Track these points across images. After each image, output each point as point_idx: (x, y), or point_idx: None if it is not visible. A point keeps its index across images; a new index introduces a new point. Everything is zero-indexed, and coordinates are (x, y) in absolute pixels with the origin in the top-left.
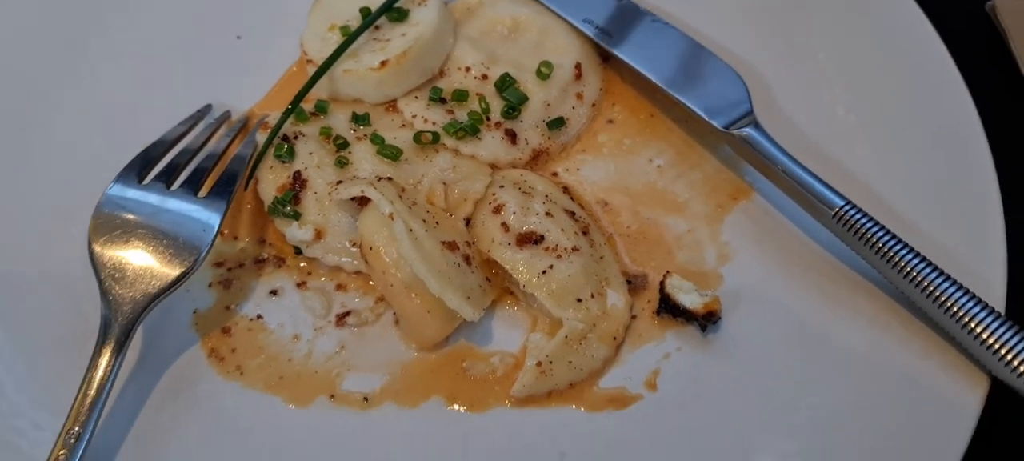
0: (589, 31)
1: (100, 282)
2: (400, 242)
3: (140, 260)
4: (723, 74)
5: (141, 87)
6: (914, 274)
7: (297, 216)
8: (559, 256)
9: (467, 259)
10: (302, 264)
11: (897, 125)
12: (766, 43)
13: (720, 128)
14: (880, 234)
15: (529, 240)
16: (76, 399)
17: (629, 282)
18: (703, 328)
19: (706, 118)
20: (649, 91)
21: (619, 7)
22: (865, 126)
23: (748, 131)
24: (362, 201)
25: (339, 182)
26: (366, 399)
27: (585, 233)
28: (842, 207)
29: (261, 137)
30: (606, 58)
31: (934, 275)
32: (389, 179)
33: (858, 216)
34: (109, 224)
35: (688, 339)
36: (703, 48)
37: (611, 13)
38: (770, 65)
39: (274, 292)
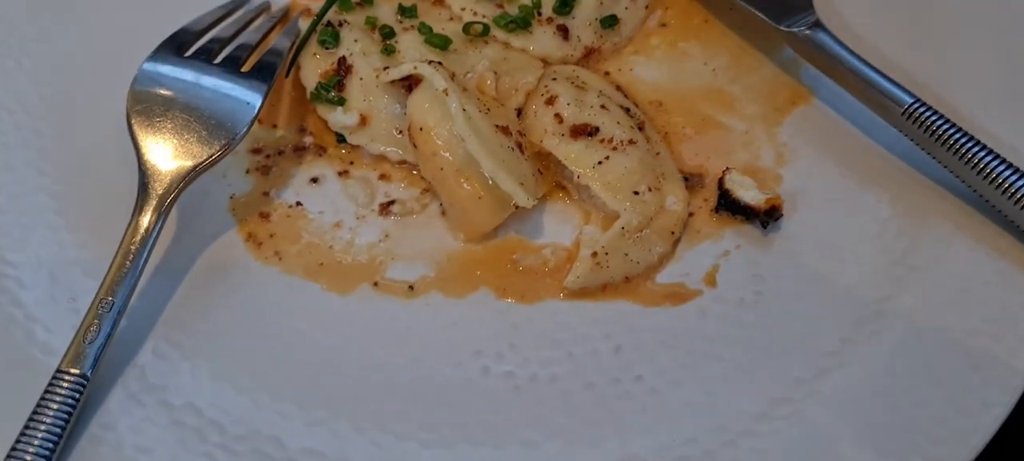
0: None
1: (138, 152)
2: (455, 119)
3: (178, 133)
4: None
5: None
6: (986, 169)
7: (342, 102)
8: (615, 148)
9: (520, 146)
10: (344, 152)
11: (961, 28)
12: None
13: (781, 28)
14: (951, 130)
15: (584, 132)
16: (111, 267)
17: (686, 179)
18: (764, 225)
19: (766, 19)
20: None
21: None
22: (927, 29)
23: (811, 31)
24: (410, 86)
25: (386, 68)
26: (411, 288)
27: (641, 129)
28: (911, 104)
29: (303, 25)
30: None
31: (1006, 170)
32: (439, 63)
33: (928, 113)
34: (147, 97)
35: (748, 237)
36: None
37: None
38: None
39: (314, 180)
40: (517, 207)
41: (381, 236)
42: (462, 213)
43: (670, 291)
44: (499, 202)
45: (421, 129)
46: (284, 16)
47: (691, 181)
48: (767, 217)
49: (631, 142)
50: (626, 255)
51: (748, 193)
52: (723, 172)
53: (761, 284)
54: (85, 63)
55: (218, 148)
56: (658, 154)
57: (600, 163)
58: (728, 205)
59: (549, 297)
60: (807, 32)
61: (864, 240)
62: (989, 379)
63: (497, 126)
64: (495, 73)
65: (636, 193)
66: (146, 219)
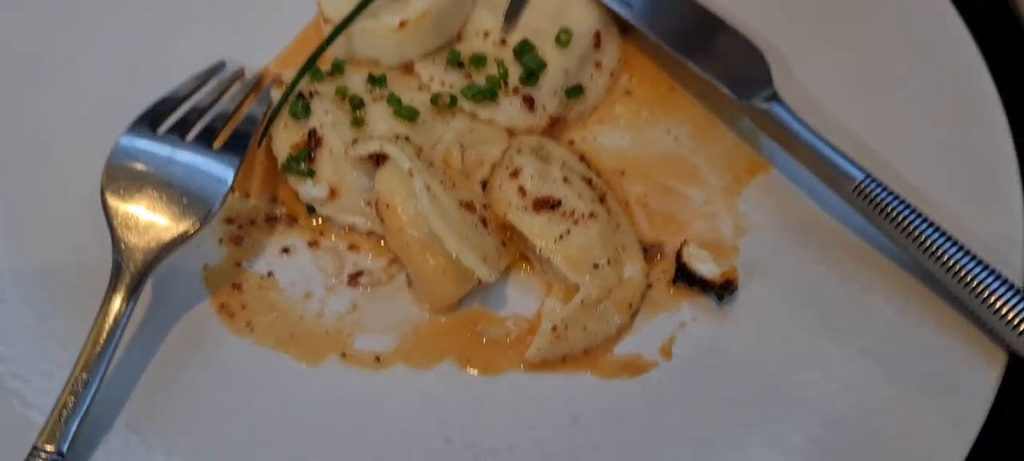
0: (609, 1)
1: (112, 230)
2: (419, 199)
3: (153, 209)
4: (743, 47)
5: (154, 43)
6: (933, 247)
7: (311, 174)
8: (576, 221)
9: (483, 221)
10: (315, 223)
11: (915, 102)
12: (786, 18)
13: (740, 100)
14: (900, 208)
15: (546, 205)
16: (85, 346)
17: (645, 250)
18: (720, 298)
19: (726, 90)
20: (668, 63)
21: None
22: (884, 103)
23: (768, 104)
24: (378, 160)
25: (355, 141)
26: (378, 359)
27: (602, 200)
28: (862, 180)
29: (275, 95)
30: (625, 29)
31: (953, 248)
32: (406, 138)
33: (878, 189)
34: (122, 173)
35: (704, 309)
36: (723, 21)
37: None
38: (789, 39)
39: (286, 250)
40: (481, 281)
41: (350, 307)
42: (427, 286)
43: (627, 363)
44: (463, 276)
45: (388, 206)
46: (257, 83)
47: (650, 252)
48: (722, 290)
49: (592, 215)
50: (585, 328)
51: (704, 266)
52: (681, 244)
53: (714, 357)
54: (57, 137)
55: (191, 225)
56: (619, 226)
57: (561, 237)
58: (685, 277)
59: (511, 368)
60: (764, 106)
61: (815, 313)
62: (932, 453)
63: (462, 202)
64: (461, 145)
65: (596, 266)
66: (119, 298)
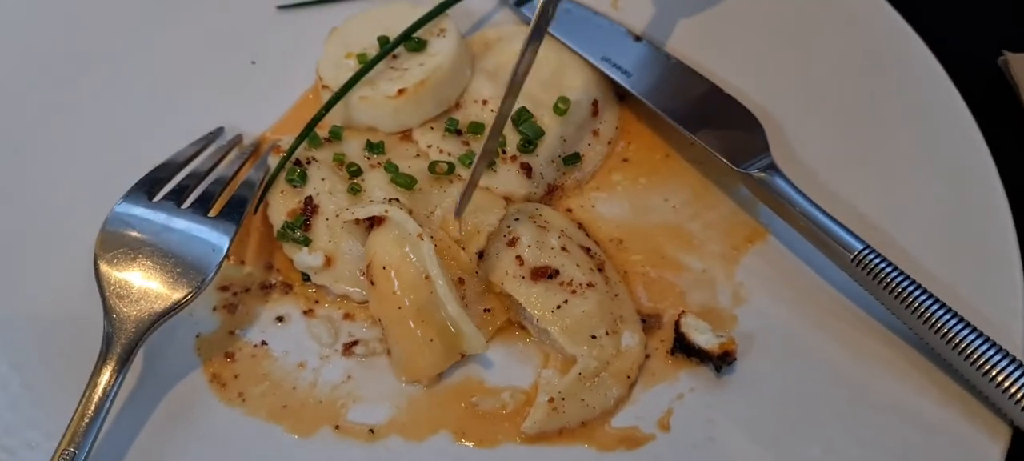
0: (607, 70)
1: (104, 298)
2: (427, 261)
3: (146, 278)
4: (740, 116)
5: (153, 109)
6: (932, 319)
7: (307, 242)
8: (574, 291)
9: (464, 298)
10: (310, 291)
11: (913, 172)
12: (783, 87)
13: (737, 169)
14: (898, 278)
15: (544, 274)
16: (73, 418)
17: (643, 321)
18: (718, 369)
19: (723, 159)
20: (665, 131)
21: (637, 47)
22: (881, 173)
23: (766, 173)
24: (371, 225)
25: (349, 209)
26: (371, 431)
27: (600, 270)
28: (861, 251)
29: (273, 161)
30: (622, 97)
31: (952, 320)
32: (398, 200)
33: (876, 260)
34: (116, 241)
35: (702, 380)
36: (720, 89)
37: (629, 53)
38: (787, 109)
39: (280, 319)
40: (464, 355)
41: (344, 377)
42: (409, 356)
43: (625, 435)
44: (448, 349)
45: (384, 268)
46: (255, 150)
47: (648, 323)
48: (721, 360)
49: (590, 285)
50: (582, 400)
51: (702, 336)
52: (679, 315)
53: (713, 429)
54: (56, 194)
55: (185, 294)
56: (617, 295)
57: (559, 307)
58: (683, 348)
59: (506, 441)
60: (761, 175)
61: (814, 384)
62: None
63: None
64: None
65: (594, 337)
66: (108, 370)
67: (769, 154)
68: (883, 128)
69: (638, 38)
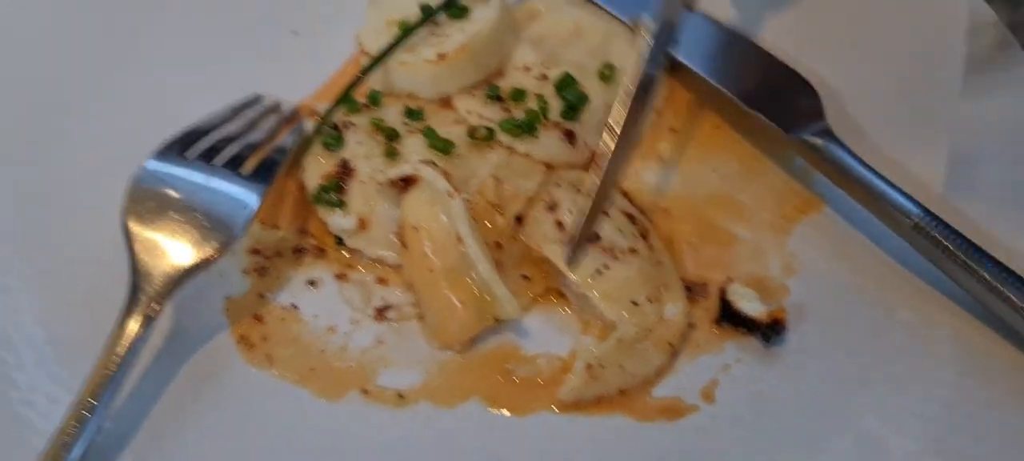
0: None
1: (131, 252)
2: (457, 220)
3: (174, 233)
4: (794, 82)
5: (193, 77)
6: (995, 284)
7: (341, 204)
8: (615, 257)
9: (500, 264)
10: (344, 255)
11: (973, 132)
12: (837, 52)
13: (792, 136)
14: (960, 243)
15: (583, 239)
16: (94, 370)
17: (689, 289)
18: (766, 339)
19: (776, 126)
20: (714, 101)
21: (686, 16)
22: (940, 138)
23: (821, 139)
24: (405, 189)
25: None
26: (401, 396)
27: (644, 237)
28: (920, 216)
29: (309, 126)
30: (670, 67)
31: (1018, 286)
32: (433, 163)
33: (938, 226)
34: (145, 195)
35: (749, 351)
36: (772, 56)
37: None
38: (842, 74)
39: (312, 283)
40: (498, 320)
41: (374, 342)
42: (441, 319)
43: (666, 406)
44: (479, 313)
45: (415, 229)
46: (292, 117)
47: (694, 291)
48: (769, 331)
49: (632, 251)
50: (621, 367)
51: (750, 305)
52: (725, 283)
53: (761, 402)
54: (91, 162)
55: (212, 251)
56: (660, 263)
57: (599, 272)
58: (730, 317)
59: (542, 409)
60: (817, 140)
61: (871, 358)
62: None
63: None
64: (496, 178)
65: (635, 303)
66: (133, 322)
67: (824, 120)
68: (943, 91)
69: (687, 6)
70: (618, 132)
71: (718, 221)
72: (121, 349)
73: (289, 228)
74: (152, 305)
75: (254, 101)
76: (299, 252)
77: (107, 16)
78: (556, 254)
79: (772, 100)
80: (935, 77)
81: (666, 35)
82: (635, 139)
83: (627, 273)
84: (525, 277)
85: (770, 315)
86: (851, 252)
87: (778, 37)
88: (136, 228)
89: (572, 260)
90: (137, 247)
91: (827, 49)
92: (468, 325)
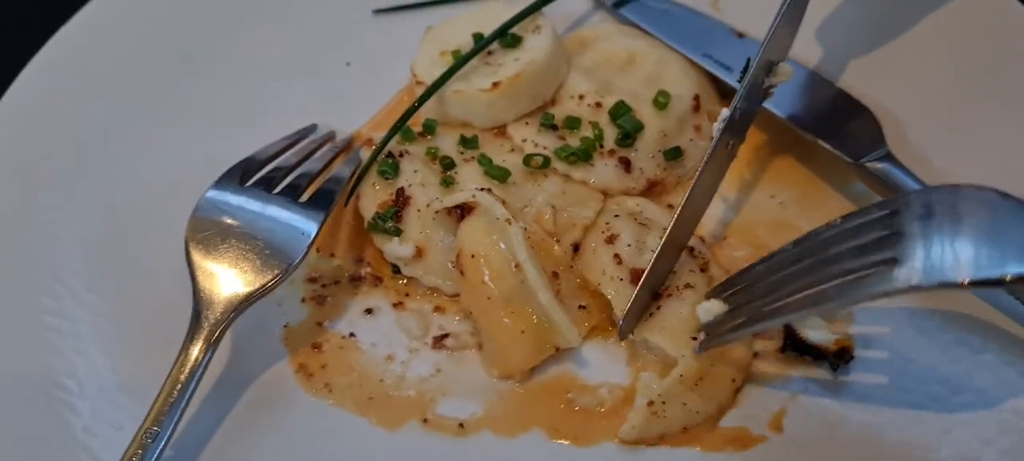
0: (709, 65)
1: (193, 279)
2: (516, 247)
3: (235, 260)
4: (853, 108)
5: (248, 108)
6: None
7: (398, 233)
8: (669, 295)
9: (557, 293)
10: (400, 283)
11: None
12: (892, 76)
13: (853, 161)
14: None
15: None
16: (159, 396)
17: None
18: (834, 368)
19: (837, 152)
20: (771, 128)
21: (740, 44)
22: (1002, 164)
23: (883, 164)
24: (462, 215)
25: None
26: (461, 426)
27: (703, 270)
28: None
29: (365, 155)
30: (725, 93)
31: None
32: (489, 190)
33: None
34: (206, 224)
35: (816, 380)
36: (829, 82)
37: (732, 49)
38: (897, 97)
39: (369, 311)
40: (557, 349)
41: (433, 370)
42: (500, 349)
43: (734, 435)
44: (539, 341)
45: (472, 256)
46: (347, 145)
47: None
48: (837, 359)
49: (688, 287)
50: (684, 404)
51: (817, 333)
52: None
53: (831, 431)
54: (152, 191)
55: (272, 277)
56: None
57: (651, 314)
58: (795, 346)
59: (605, 439)
60: (879, 166)
61: (941, 387)
62: None
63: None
64: (553, 207)
65: (695, 339)
66: (196, 349)
67: (885, 145)
68: (1002, 117)
69: (741, 35)
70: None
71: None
72: (184, 375)
73: (346, 256)
74: (214, 331)
75: (309, 131)
76: (356, 280)
77: (162, 49)
78: (615, 294)
79: (832, 127)
80: (997, 99)
81: (762, 80)
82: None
83: (685, 310)
84: (582, 306)
85: (837, 343)
86: None
87: (835, 64)
88: (198, 256)
89: (625, 333)
90: (199, 274)
91: (885, 74)
92: (528, 355)
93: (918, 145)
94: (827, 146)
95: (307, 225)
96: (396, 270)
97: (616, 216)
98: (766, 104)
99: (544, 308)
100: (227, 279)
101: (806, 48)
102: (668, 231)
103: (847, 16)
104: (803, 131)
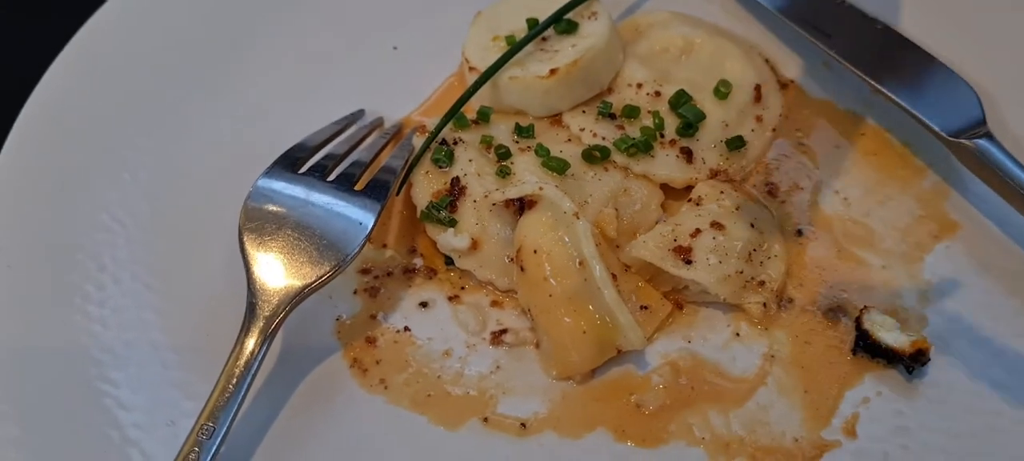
0: (806, 31)
1: (248, 270)
2: (583, 242)
3: (290, 252)
4: (951, 82)
5: (295, 93)
6: None
7: (453, 223)
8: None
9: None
10: (454, 275)
11: None
12: (998, 54)
13: (948, 136)
14: None
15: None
16: (214, 390)
17: (827, 311)
18: (909, 371)
19: (932, 125)
20: (835, 119)
21: (841, 10)
22: None
23: (981, 142)
24: (521, 208)
25: (498, 190)
26: (524, 425)
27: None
28: None
29: (417, 142)
30: (784, 84)
31: None
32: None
33: None
34: (260, 213)
35: (890, 383)
36: (929, 55)
37: (832, 15)
38: (1006, 77)
39: (424, 304)
40: (619, 350)
41: (492, 367)
42: (560, 348)
43: (813, 444)
44: (602, 342)
45: (535, 251)
46: (397, 132)
47: (831, 314)
48: (912, 362)
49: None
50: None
51: (891, 335)
52: (861, 310)
53: (907, 437)
54: (197, 178)
55: (328, 269)
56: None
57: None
58: (867, 347)
59: (673, 440)
60: (975, 142)
61: (1019, 390)
62: None
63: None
64: (616, 209)
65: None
66: (251, 342)
67: (985, 123)
68: None
69: (842, 1)
70: None
71: (846, 247)
72: (239, 369)
73: (398, 247)
74: (270, 324)
75: (357, 116)
76: (409, 272)
77: (206, 33)
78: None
79: (928, 99)
80: None
81: None
82: None
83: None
84: (644, 307)
85: (912, 345)
86: (997, 277)
87: (937, 38)
88: (252, 247)
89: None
90: (254, 265)
91: (988, 49)
92: (591, 355)
93: (1018, 128)
94: (923, 117)
95: (363, 215)
96: (449, 262)
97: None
98: (858, 69)
99: (609, 307)
100: (282, 270)
101: (907, 19)
102: None
103: None
104: (900, 101)
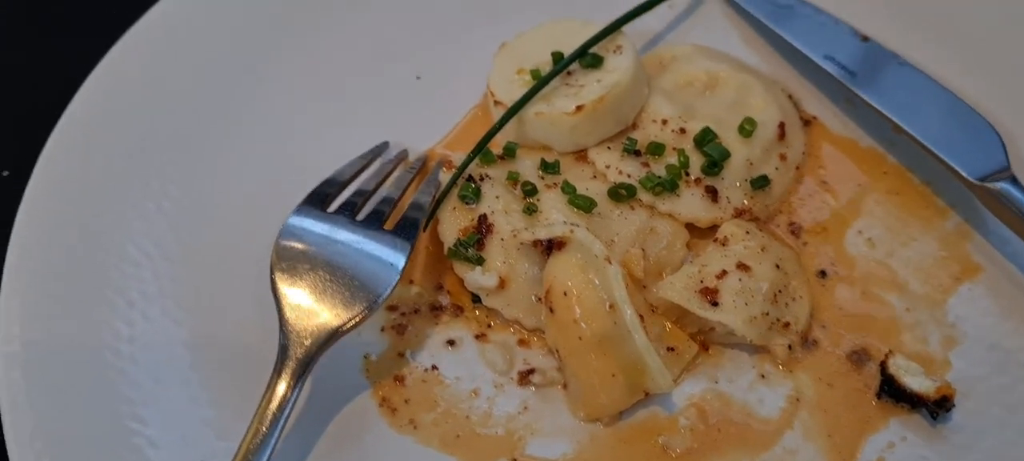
0: (831, 69)
1: (280, 311)
2: (615, 286)
3: (322, 293)
4: (975, 123)
5: (317, 122)
6: None
7: (480, 261)
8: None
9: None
10: (481, 313)
11: None
12: (1018, 95)
13: (973, 180)
14: None
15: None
16: (247, 433)
17: (850, 355)
18: (934, 416)
19: (957, 167)
20: (858, 158)
21: (863, 47)
22: None
23: (1004, 185)
24: (549, 249)
25: (527, 229)
26: None
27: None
28: None
29: (444, 177)
30: (807, 122)
31: None
32: (580, 225)
33: None
34: (291, 253)
35: (915, 428)
36: (953, 94)
37: (854, 52)
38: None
39: (451, 342)
40: (648, 393)
41: (520, 407)
42: (588, 390)
43: None
44: (631, 385)
45: (565, 293)
46: (423, 166)
47: (855, 358)
48: (937, 407)
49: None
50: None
51: (916, 380)
52: (886, 355)
53: None
54: (224, 210)
55: (360, 311)
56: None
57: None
58: (892, 392)
59: None
60: (998, 185)
61: None
62: None
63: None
64: (642, 249)
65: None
66: (284, 384)
67: (1008, 165)
68: None
69: (865, 38)
70: None
71: (867, 288)
72: (272, 411)
73: (425, 284)
74: (302, 366)
75: (382, 149)
76: (437, 310)
77: (234, 62)
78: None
79: (951, 140)
80: None
81: None
82: None
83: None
84: (671, 349)
85: (938, 391)
86: (1017, 320)
87: (961, 79)
88: (284, 286)
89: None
90: (285, 306)
91: (1011, 94)
92: (620, 398)
93: None
94: (945, 158)
95: (394, 256)
96: (476, 300)
97: (724, 255)
98: (882, 108)
99: (639, 351)
100: (314, 312)
101: (930, 59)
102: None
103: (975, 27)
104: (922, 139)
